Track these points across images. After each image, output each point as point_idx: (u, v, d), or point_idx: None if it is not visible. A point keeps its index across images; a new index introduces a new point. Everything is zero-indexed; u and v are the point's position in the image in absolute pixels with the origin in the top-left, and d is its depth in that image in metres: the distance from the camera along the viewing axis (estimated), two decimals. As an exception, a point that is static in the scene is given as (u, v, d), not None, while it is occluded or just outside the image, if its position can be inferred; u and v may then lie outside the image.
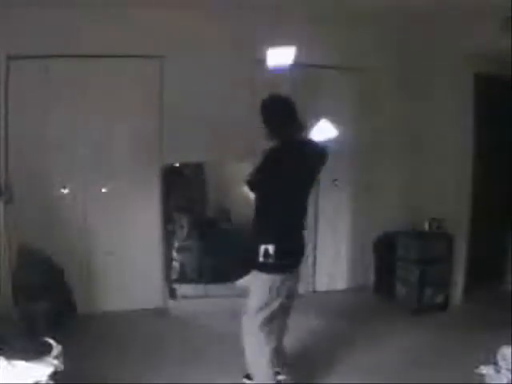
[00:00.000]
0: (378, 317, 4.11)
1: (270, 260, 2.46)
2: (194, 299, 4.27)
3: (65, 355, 2.26)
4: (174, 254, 4.34)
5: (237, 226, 4.48)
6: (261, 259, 2.47)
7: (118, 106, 4.08)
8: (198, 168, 4.33)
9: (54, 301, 3.59)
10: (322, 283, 4.81)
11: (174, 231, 4.34)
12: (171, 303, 4.21)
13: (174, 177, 4.22)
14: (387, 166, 4.80)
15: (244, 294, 2.75)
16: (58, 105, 3.98)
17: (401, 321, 4.01)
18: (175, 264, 4.35)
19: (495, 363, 2.52)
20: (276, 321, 2.66)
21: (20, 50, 3.79)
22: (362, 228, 4.86)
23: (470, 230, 4.31)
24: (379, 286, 4.71)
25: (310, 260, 4.66)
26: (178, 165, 4.30)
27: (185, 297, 4.27)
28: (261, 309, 2.58)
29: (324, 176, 4.00)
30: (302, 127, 2.70)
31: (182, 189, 4.32)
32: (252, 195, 2.74)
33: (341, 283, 4.87)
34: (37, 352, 2.18)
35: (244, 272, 2.94)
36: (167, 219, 4.29)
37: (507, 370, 2.44)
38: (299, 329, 3.26)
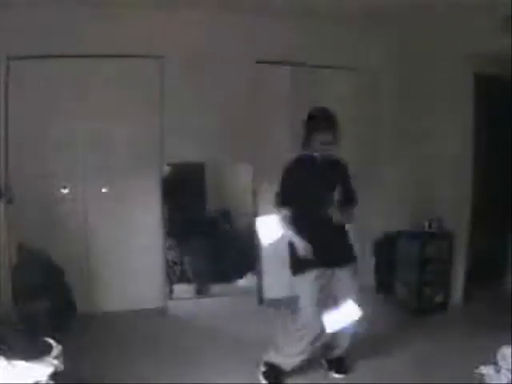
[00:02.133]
0: (378, 317, 4.10)
1: None
2: (194, 299, 4.27)
3: (65, 355, 2.26)
4: (174, 254, 4.34)
5: (236, 227, 4.48)
6: None
7: (118, 106, 4.08)
8: (198, 168, 4.32)
9: (53, 301, 3.59)
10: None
11: (174, 231, 4.34)
12: (171, 303, 4.21)
13: (174, 177, 4.21)
14: (387, 165, 4.80)
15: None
16: (58, 105, 3.98)
17: (401, 321, 4.01)
18: (175, 264, 4.34)
19: (495, 363, 2.51)
20: None
21: (20, 50, 3.79)
22: (362, 228, 4.85)
23: (470, 230, 4.30)
24: (379, 286, 4.70)
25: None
26: (177, 165, 4.29)
27: (184, 297, 4.28)
28: None
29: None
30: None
31: (182, 189, 4.31)
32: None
33: (341, 283, 4.85)
34: (37, 352, 2.18)
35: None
36: (167, 219, 4.28)
37: (507, 370, 2.43)
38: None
